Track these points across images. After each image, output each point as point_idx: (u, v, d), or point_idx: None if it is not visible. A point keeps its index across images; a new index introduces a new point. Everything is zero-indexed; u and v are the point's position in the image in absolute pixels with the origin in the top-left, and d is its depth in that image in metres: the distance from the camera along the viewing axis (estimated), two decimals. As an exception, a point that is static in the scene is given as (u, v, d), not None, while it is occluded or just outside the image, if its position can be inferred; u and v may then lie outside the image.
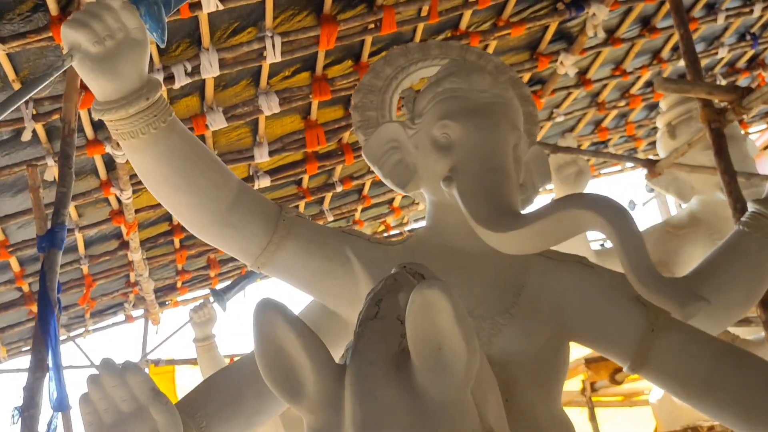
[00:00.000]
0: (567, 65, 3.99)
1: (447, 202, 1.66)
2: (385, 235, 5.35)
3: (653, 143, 4.33)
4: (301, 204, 4.38)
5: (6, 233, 3.64)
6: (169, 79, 2.97)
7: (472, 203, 1.55)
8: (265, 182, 3.86)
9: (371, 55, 3.44)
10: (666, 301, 1.23)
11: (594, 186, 5.62)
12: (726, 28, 4.57)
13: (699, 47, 4.47)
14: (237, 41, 3.03)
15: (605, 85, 4.58)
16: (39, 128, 3.01)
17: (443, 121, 1.66)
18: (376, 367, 0.92)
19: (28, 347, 4.48)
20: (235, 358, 3.30)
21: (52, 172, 3.10)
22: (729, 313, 1.70)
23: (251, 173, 3.87)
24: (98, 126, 3.14)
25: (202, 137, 3.48)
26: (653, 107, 4.99)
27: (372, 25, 3.21)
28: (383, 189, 4.66)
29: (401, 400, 0.89)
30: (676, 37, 3.08)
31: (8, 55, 2.62)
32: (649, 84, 4.71)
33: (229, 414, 1.58)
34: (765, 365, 1.50)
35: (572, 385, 3.89)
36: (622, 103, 4.79)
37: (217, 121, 3.29)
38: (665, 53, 4.52)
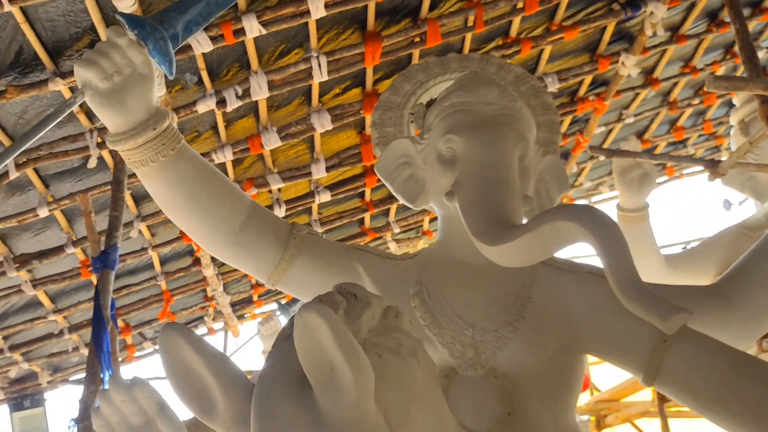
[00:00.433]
0: (629, 66, 3.88)
1: (454, 215, 1.66)
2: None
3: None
4: (366, 216, 4.42)
5: (86, 253, 3.86)
6: (222, 102, 3.10)
7: (470, 216, 1.55)
8: (325, 197, 3.94)
9: (419, 68, 3.46)
10: (648, 313, 1.20)
11: (676, 187, 5.39)
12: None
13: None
14: (285, 63, 3.12)
15: (675, 84, 4.41)
16: (106, 155, 3.20)
17: (448, 136, 1.67)
18: (279, 386, 0.94)
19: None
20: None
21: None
22: (759, 321, 1.62)
23: (312, 188, 3.96)
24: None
25: (261, 156, 3.61)
26: (732, 104, 4.76)
27: (417, 39, 3.23)
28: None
29: (299, 418, 0.91)
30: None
31: (70, 88, 2.80)
32: (725, 79, 4.51)
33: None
34: None
35: (644, 395, 3.76)
36: (696, 101, 4.60)
37: (272, 141, 3.40)
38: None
